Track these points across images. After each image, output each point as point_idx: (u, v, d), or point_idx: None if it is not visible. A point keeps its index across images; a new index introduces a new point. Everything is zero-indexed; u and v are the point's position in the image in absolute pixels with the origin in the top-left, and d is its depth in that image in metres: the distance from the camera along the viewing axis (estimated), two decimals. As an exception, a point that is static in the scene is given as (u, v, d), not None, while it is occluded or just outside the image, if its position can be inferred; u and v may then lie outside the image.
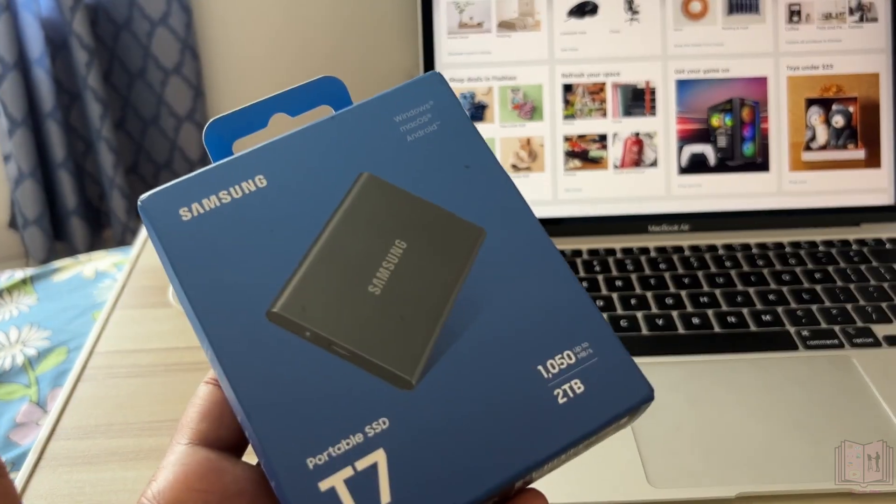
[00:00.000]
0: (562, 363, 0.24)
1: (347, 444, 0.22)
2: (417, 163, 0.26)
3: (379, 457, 0.22)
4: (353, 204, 0.26)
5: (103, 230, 1.85)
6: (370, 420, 0.22)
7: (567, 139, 0.65)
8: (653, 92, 0.65)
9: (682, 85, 0.65)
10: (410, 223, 0.25)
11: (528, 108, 0.65)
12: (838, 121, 0.65)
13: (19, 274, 0.86)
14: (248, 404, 0.23)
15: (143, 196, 0.25)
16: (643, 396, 0.24)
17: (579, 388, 0.23)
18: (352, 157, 0.26)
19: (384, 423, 0.22)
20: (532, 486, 0.25)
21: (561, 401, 0.23)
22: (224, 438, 0.25)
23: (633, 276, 0.59)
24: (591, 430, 0.23)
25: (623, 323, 0.54)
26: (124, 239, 1.73)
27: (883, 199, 0.65)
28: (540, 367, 0.24)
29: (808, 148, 0.65)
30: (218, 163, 0.26)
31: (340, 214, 0.25)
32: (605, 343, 0.24)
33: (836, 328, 0.54)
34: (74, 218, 1.70)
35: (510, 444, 0.23)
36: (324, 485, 0.21)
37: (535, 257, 0.25)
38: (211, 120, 0.27)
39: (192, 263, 0.24)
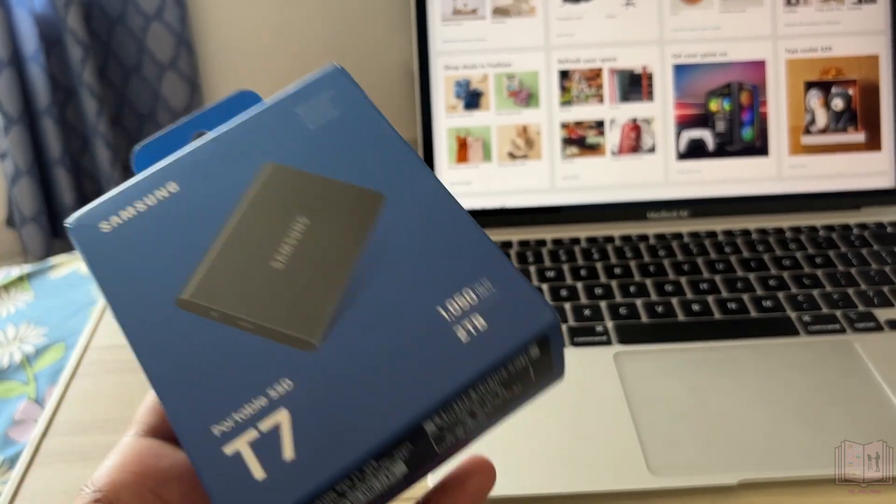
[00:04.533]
0: (462, 302, 0.24)
1: (251, 407, 0.23)
2: (319, 146, 0.28)
3: (282, 417, 0.22)
4: (255, 192, 0.27)
5: (102, 227, 1.84)
6: (272, 382, 0.23)
7: (564, 126, 0.64)
8: (650, 77, 0.64)
9: (680, 70, 0.64)
10: (311, 200, 0.27)
11: (525, 95, 0.64)
12: (838, 104, 0.64)
13: (16, 271, 0.85)
14: (156, 379, 0.24)
15: (69, 218, 0.27)
16: (546, 322, 0.23)
17: (481, 324, 0.23)
18: (257, 151, 0.28)
19: (287, 384, 0.23)
20: (482, 459, 0.27)
21: (462, 337, 0.23)
22: (169, 431, 0.26)
23: (633, 264, 0.59)
24: (494, 360, 0.23)
25: (622, 311, 0.54)
26: (123, 235, 1.73)
27: (884, 183, 0.64)
28: (440, 309, 0.24)
29: (807, 132, 0.64)
30: (133, 179, 0.28)
31: (243, 203, 0.27)
32: (505, 277, 0.24)
33: (838, 313, 0.53)
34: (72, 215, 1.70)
35: (413, 385, 0.23)
36: (229, 449, 0.22)
37: (433, 209, 0.26)
38: (138, 146, 0.29)
39: (109, 265, 0.26)
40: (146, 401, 0.28)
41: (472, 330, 0.23)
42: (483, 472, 0.26)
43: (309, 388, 0.23)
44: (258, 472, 0.22)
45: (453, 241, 0.25)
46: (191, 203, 0.27)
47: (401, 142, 0.28)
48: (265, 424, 0.22)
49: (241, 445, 0.22)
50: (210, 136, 0.29)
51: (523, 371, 0.24)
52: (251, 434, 0.22)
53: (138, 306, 0.25)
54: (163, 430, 0.27)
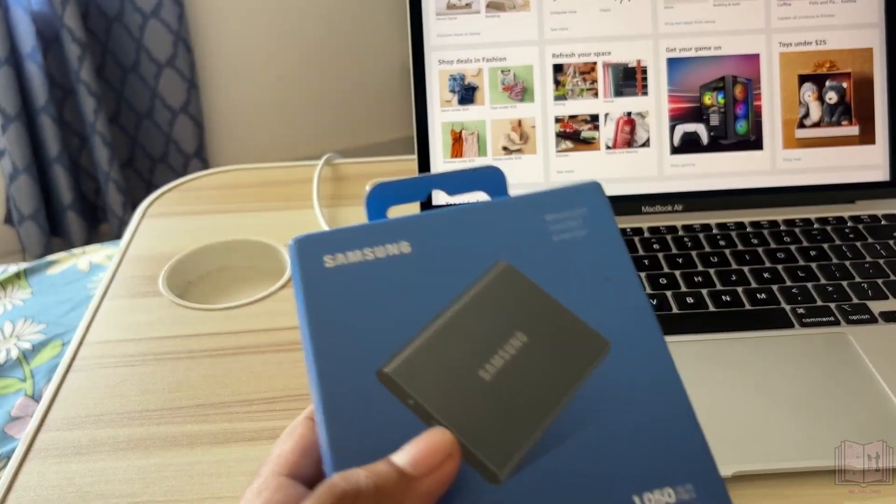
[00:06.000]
0: (660, 500, 0.23)
1: None
2: (558, 264, 0.27)
3: None
4: (483, 287, 0.26)
5: (100, 225, 1.85)
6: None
7: (558, 120, 0.64)
8: (644, 71, 0.64)
9: (674, 63, 0.64)
10: (536, 318, 0.25)
11: (519, 90, 0.64)
12: (832, 97, 0.64)
13: (13, 268, 0.85)
14: (335, 448, 0.23)
15: (297, 236, 0.27)
16: None
17: None
18: (495, 243, 0.27)
19: None
20: None
21: None
22: (317, 481, 0.24)
23: (627, 257, 0.59)
24: None
25: (616, 304, 0.54)
26: (121, 234, 1.73)
27: (877, 176, 0.64)
28: (636, 498, 0.23)
29: (801, 125, 0.64)
30: (371, 222, 0.28)
31: (469, 295, 0.26)
32: (710, 489, 0.23)
33: (832, 305, 0.53)
34: (70, 213, 1.70)
35: None
36: None
37: (655, 381, 0.25)
38: (374, 183, 0.29)
39: (323, 307, 0.25)
40: (294, 437, 0.26)
41: None
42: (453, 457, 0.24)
43: None
44: None
45: (668, 427, 0.24)
46: (418, 272, 0.26)
47: (638, 287, 0.27)
48: None
49: None
50: (455, 208, 0.28)
51: None
52: None
53: (339, 360, 0.24)
54: (309, 479, 0.25)
